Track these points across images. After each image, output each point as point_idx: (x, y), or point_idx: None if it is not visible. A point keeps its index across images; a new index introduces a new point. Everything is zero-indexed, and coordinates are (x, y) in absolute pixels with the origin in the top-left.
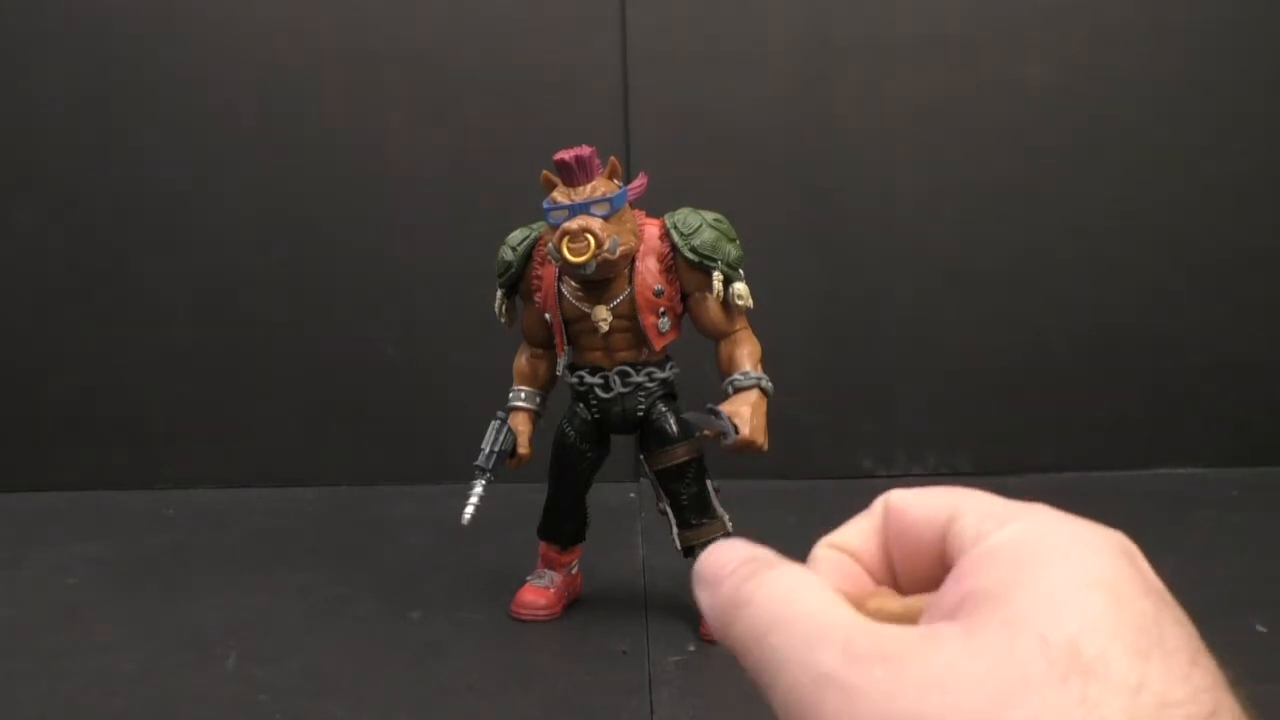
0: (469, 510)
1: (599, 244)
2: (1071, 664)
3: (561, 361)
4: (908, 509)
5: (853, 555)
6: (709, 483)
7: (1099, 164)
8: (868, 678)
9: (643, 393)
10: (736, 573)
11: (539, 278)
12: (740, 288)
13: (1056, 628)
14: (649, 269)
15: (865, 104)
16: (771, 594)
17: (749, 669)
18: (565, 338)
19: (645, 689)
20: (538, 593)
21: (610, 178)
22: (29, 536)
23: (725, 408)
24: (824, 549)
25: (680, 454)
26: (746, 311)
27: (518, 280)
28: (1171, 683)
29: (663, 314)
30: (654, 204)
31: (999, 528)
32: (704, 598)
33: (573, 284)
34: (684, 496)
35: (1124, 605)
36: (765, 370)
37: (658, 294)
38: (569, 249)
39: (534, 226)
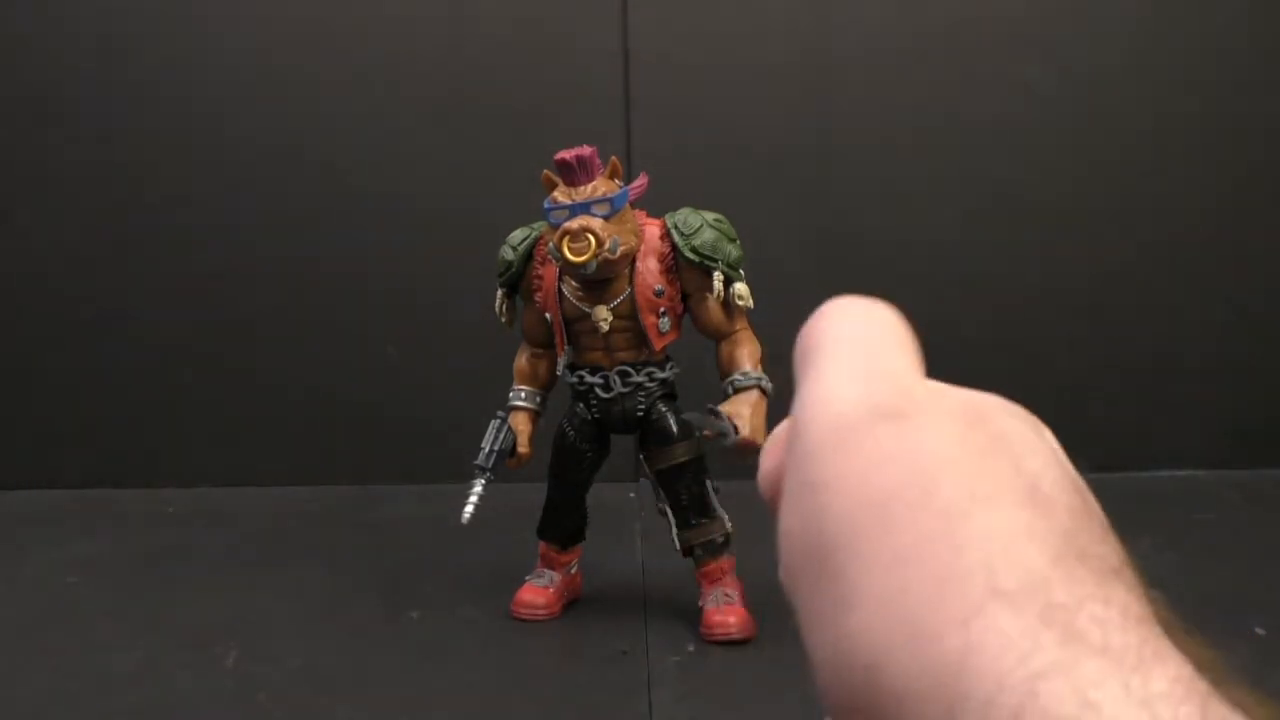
0: (469, 510)
1: (599, 244)
2: (994, 444)
3: (562, 361)
4: None
5: None
6: (709, 483)
7: (1099, 167)
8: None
9: (643, 393)
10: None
11: (539, 277)
12: (740, 288)
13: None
14: (649, 269)
15: (866, 104)
16: None
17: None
18: (565, 337)
19: (645, 689)
20: (537, 592)
21: (611, 177)
22: (29, 536)
23: (725, 408)
24: None
25: (680, 454)
26: (747, 311)
27: (518, 280)
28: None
29: (663, 314)
30: (654, 204)
31: None
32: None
33: (573, 284)
34: (684, 496)
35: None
36: (765, 370)
37: (658, 294)
38: (569, 249)
39: (534, 226)
